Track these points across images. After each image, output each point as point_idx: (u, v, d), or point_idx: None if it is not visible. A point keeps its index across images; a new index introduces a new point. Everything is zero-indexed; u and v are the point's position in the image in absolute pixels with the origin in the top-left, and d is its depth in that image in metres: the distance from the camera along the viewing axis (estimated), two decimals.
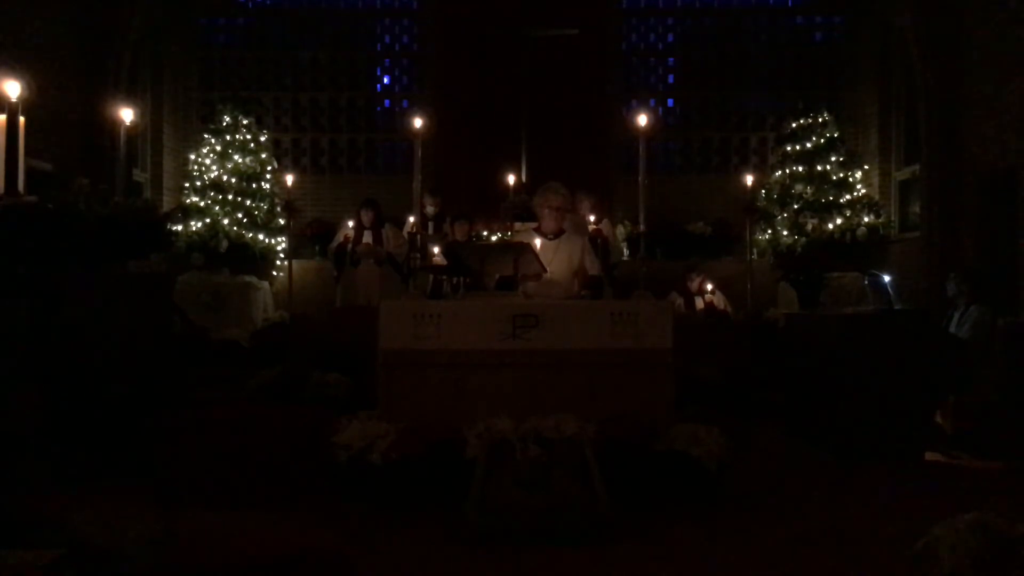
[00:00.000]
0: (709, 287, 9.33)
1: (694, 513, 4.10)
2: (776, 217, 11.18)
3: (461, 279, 5.03)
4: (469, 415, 4.18)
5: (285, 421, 4.64)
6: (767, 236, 11.18)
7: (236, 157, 11.18)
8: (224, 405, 5.19)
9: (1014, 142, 8.56)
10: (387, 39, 12.69)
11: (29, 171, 4.92)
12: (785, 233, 10.98)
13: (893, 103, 11.49)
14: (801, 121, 11.31)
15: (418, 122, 5.65)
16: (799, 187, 11.08)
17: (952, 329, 7.13)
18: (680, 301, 9.21)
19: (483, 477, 3.86)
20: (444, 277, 5.43)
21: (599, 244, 7.94)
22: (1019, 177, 8.44)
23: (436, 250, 6.28)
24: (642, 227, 5.44)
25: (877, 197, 11.31)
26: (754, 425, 6.00)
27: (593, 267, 5.68)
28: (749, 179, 9.55)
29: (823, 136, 11.20)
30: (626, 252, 11.16)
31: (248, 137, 11.34)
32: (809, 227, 10.77)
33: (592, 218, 8.21)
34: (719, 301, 9.30)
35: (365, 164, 12.50)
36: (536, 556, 3.52)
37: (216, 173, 11.09)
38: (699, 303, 9.28)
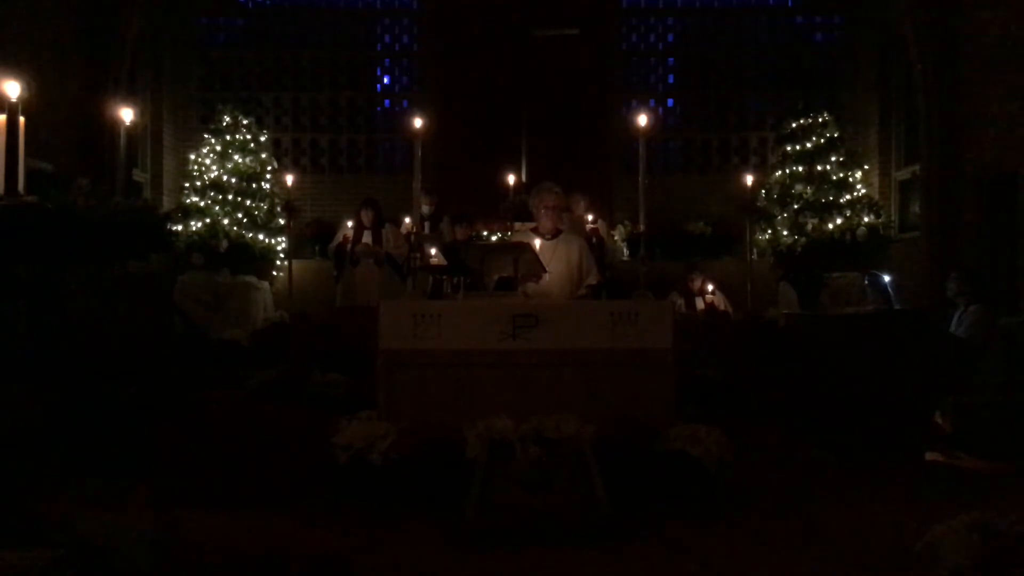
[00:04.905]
0: (710, 287, 9.33)
1: (694, 513, 4.09)
2: (776, 217, 11.18)
3: (462, 279, 5.03)
4: (469, 415, 4.17)
5: (285, 421, 4.64)
6: (767, 236, 11.18)
7: (236, 157, 11.18)
8: (224, 405, 5.19)
9: (1014, 142, 8.56)
10: (387, 39, 12.69)
11: (29, 171, 4.91)
12: (785, 233, 10.98)
13: (893, 103, 11.49)
14: (801, 121, 11.31)
15: (418, 122, 5.66)
16: (799, 187, 11.08)
17: (952, 329, 7.13)
18: (681, 301, 9.21)
19: (483, 477, 3.86)
20: (445, 277, 5.43)
21: (595, 243, 7.97)
22: (1019, 177, 8.44)
23: (433, 251, 6.28)
24: (642, 227, 5.45)
25: (877, 197, 11.31)
26: (754, 425, 6.00)
27: (592, 275, 5.65)
28: (749, 179, 9.55)
29: (823, 136, 11.19)
30: (626, 252, 11.17)
31: (248, 137, 11.34)
32: (809, 227, 10.76)
33: (590, 217, 8.23)
34: (720, 302, 9.31)
35: (365, 164, 12.49)
36: (536, 556, 3.52)
37: (216, 173, 11.09)
38: (700, 303, 9.29)
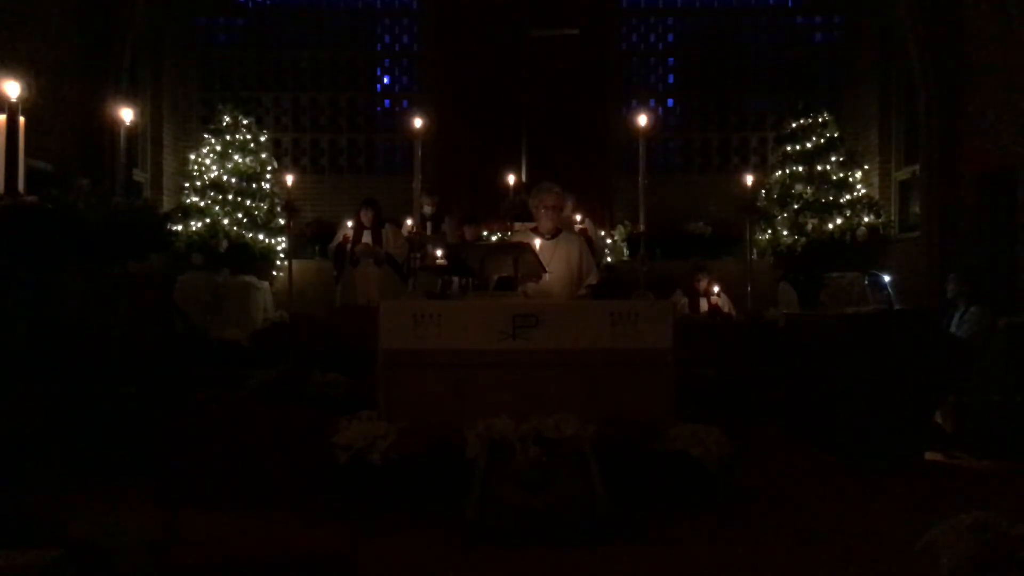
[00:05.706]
0: (716, 289, 9.32)
1: (694, 513, 4.10)
2: (776, 217, 11.18)
3: (468, 280, 5.04)
4: (469, 415, 4.18)
5: (285, 421, 4.63)
6: (767, 236, 11.18)
7: (236, 157, 11.17)
8: (224, 405, 5.18)
9: (1013, 142, 8.55)
10: (387, 39, 12.69)
11: (29, 171, 4.92)
12: (785, 233, 10.98)
13: (893, 103, 11.47)
14: (801, 121, 11.31)
15: (418, 122, 5.64)
16: (799, 187, 11.08)
17: (952, 329, 7.13)
18: (685, 301, 9.20)
19: (483, 477, 3.86)
20: (451, 277, 5.45)
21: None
22: (1018, 177, 8.44)
23: (439, 252, 6.28)
24: (642, 227, 5.44)
25: (877, 197, 11.31)
26: (754, 425, 6.00)
27: (592, 274, 5.65)
28: (749, 179, 9.55)
29: (823, 136, 11.19)
30: (626, 252, 11.17)
31: (248, 137, 11.34)
32: (809, 227, 10.76)
33: (578, 217, 8.21)
34: (724, 304, 9.30)
35: (365, 164, 12.49)
36: (536, 556, 3.52)
37: (216, 173, 11.09)
38: (704, 304, 9.28)
